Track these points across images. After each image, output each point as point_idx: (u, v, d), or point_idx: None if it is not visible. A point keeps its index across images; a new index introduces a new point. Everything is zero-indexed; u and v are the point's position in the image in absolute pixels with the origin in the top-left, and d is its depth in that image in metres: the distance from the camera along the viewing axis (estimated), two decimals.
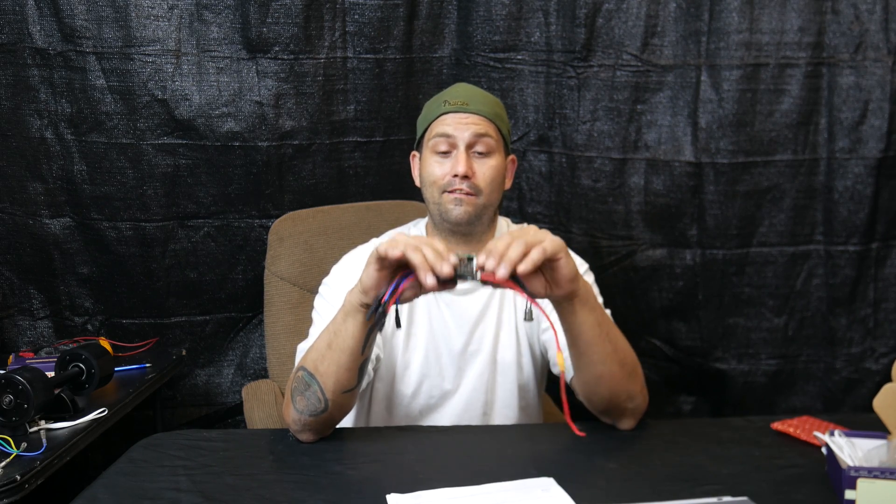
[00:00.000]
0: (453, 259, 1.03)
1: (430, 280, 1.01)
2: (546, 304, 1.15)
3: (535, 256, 1.02)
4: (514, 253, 1.02)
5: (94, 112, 1.90)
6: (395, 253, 1.03)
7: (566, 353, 1.22)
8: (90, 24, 1.86)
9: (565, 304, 1.13)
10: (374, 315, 1.07)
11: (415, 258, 1.02)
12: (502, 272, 1.01)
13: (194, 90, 1.90)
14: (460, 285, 1.41)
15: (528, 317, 1.06)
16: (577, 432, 1.08)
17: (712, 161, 1.94)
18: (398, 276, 1.06)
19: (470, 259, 1.04)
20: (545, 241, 1.04)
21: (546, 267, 1.07)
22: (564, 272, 1.08)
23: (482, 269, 1.03)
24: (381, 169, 2.04)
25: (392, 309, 1.06)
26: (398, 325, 1.09)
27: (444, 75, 2.03)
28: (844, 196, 1.95)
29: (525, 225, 1.23)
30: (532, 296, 1.06)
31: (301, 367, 1.20)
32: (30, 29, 1.86)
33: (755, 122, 1.93)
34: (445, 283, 1.04)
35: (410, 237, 1.06)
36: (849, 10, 1.88)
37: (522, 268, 1.01)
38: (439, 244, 1.05)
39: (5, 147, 1.94)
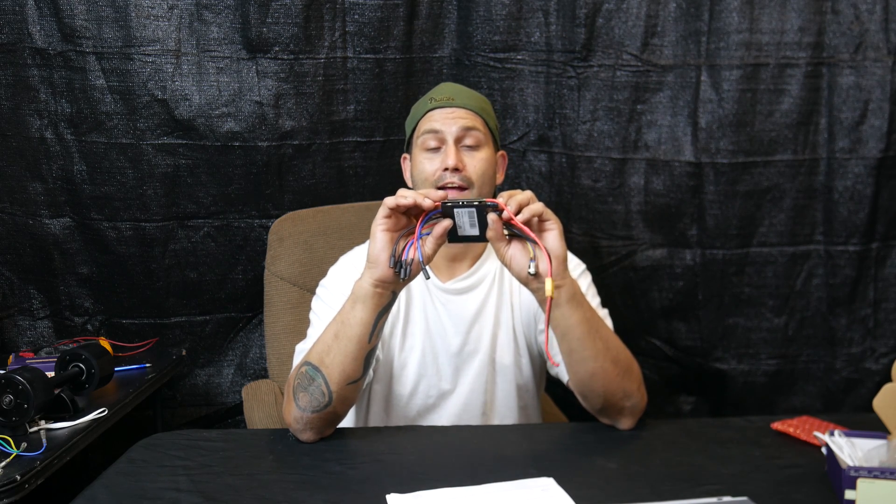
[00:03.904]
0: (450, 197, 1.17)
1: (427, 202, 1.11)
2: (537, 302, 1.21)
3: (535, 207, 1.13)
4: (520, 196, 1.13)
5: (94, 112, 1.90)
6: (405, 200, 1.12)
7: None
8: (90, 24, 1.86)
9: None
10: (397, 266, 1.14)
11: (415, 195, 1.13)
12: (513, 206, 1.11)
13: (194, 90, 1.90)
14: (457, 284, 1.42)
15: (532, 267, 1.13)
16: (553, 362, 1.26)
17: (712, 161, 1.94)
18: (409, 238, 1.14)
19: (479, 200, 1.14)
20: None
21: (538, 236, 1.14)
22: (554, 243, 1.14)
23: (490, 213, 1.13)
24: (381, 169, 2.04)
25: (416, 255, 1.13)
26: (427, 275, 1.15)
27: (444, 75, 2.03)
28: (844, 196, 1.95)
29: None
30: (525, 237, 1.14)
31: (305, 363, 1.20)
32: (30, 29, 1.86)
33: (755, 122, 1.93)
34: (452, 237, 1.13)
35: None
36: (849, 10, 1.88)
37: (522, 217, 1.12)
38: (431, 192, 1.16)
39: (5, 147, 1.94)
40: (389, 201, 1.12)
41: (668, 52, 1.93)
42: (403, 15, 1.95)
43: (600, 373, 1.21)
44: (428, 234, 1.13)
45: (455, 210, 1.12)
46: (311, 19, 1.91)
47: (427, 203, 1.11)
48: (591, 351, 1.20)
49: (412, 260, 1.13)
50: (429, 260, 1.14)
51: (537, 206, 1.13)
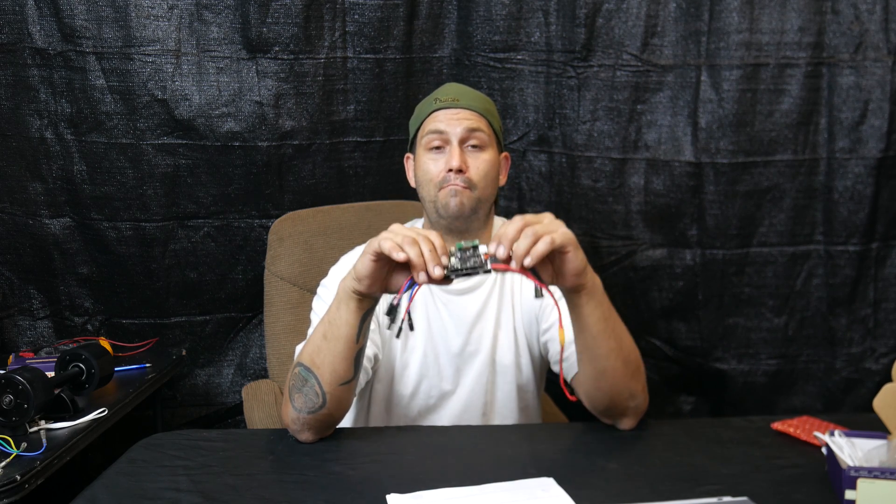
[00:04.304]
0: (452, 261, 1.04)
1: (422, 278, 1.04)
2: (555, 289, 1.16)
3: (541, 248, 1.03)
4: (522, 245, 1.02)
5: (94, 112, 1.90)
6: (400, 256, 1.04)
7: (568, 331, 1.22)
8: (90, 24, 1.86)
9: (572, 296, 1.15)
10: (391, 317, 1.09)
11: (412, 254, 1.04)
12: (513, 265, 1.03)
13: (194, 90, 1.90)
14: (459, 284, 1.42)
15: (538, 293, 1.07)
16: (570, 397, 1.17)
17: (712, 161, 1.94)
18: (408, 279, 1.07)
19: (475, 247, 1.05)
20: (555, 233, 1.05)
21: (554, 257, 1.08)
22: (571, 266, 1.09)
23: (491, 256, 1.04)
24: (381, 169, 2.04)
25: (405, 313, 1.08)
26: (412, 328, 1.11)
27: (444, 75, 2.03)
28: (844, 196, 1.95)
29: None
30: (542, 281, 1.07)
31: (298, 364, 1.20)
32: (30, 29, 1.86)
33: (755, 122, 1.93)
34: (440, 280, 1.05)
35: (410, 229, 1.07)
36: (849, 10, 1.88)
37: (528, 261, 1.02)
38: (437, 238, 1.06)
39: (5, 147, 1.94)
40: (385, 247, 1.05)
41: (668, 52, 1.93)
42: (403, 15, 1.95)
43: (610, 371, 1.20)
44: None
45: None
46: (311, 19, 1.91)
47: (422, 279, 1.04)
48: (605, 349, 1.19)
49: (403, 309, 1.09)
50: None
51: (543, 248, 1.03)
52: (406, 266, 1.07)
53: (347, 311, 1.15)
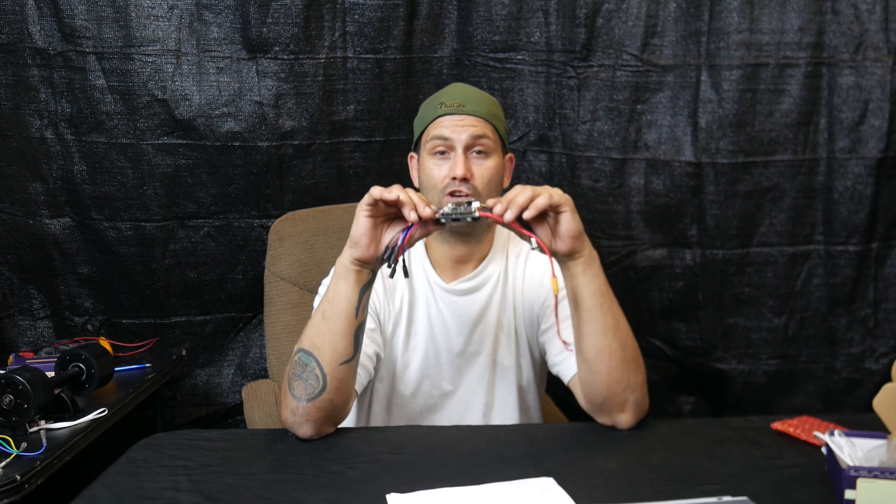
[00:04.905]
0: (445, 209, 1.14)
1: (412, 216, 1.12)
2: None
3: (540, 202, 1.12)
4: (521, 199, 1.12)
5: (94, 112, 1.90)
6: (391, 195, 1.12)
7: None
8: (90, 24, 1.86)
9: (569, 263, 1.19)
10: (388, 260, 1.16)
11: (400, 195, 1.13)
12: (509, 216, 1.12)
13: (194, 90, 1.90)
14: (461, 284, 1.43)
15: (536, 248, 1.14)
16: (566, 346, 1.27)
17: (712, 161, 1.94)
18: (404, 226, 1.15)
19: (469, 203, 1.14)
20: (553, 191, 1.14)
21: (551, 219, 1.16)
22: (568, 225, 1.15)
23: (483, 206, 1.13)
24: (381, 169, 2.04)
25: (399, 252, 1.14)
26: (406, 274, 1.20)
27: (444, 75, 2.03)
28: (844, 196, 1.95)
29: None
30: (532, 231, 1.15)
31: (298, 350, 1.21)
32: (30, 29, 1.86)
33: (755, 122, 1.93)
34: (431, 224, 1.15)
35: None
36: (849, 10, 1.88)
37: (528, 214, 1.12)
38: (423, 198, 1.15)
39: (5, 147, 1.94)
40: (375, 192, 1.13)
41: (668, 52, 1.93)
42: (403, 15, 1.95)
43: (607, 351, 1.21)
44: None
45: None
46: (311, 19, 1.91)
47: (412, 217, 1.12)
48: (601, 325, 1.20)
49: (397, 253, 1.15)
50: (412, 244, 1.18)
51: (542, 201, 1.13)
52: (397, 223, 1.16)
53: (346, 284, 1.17)
